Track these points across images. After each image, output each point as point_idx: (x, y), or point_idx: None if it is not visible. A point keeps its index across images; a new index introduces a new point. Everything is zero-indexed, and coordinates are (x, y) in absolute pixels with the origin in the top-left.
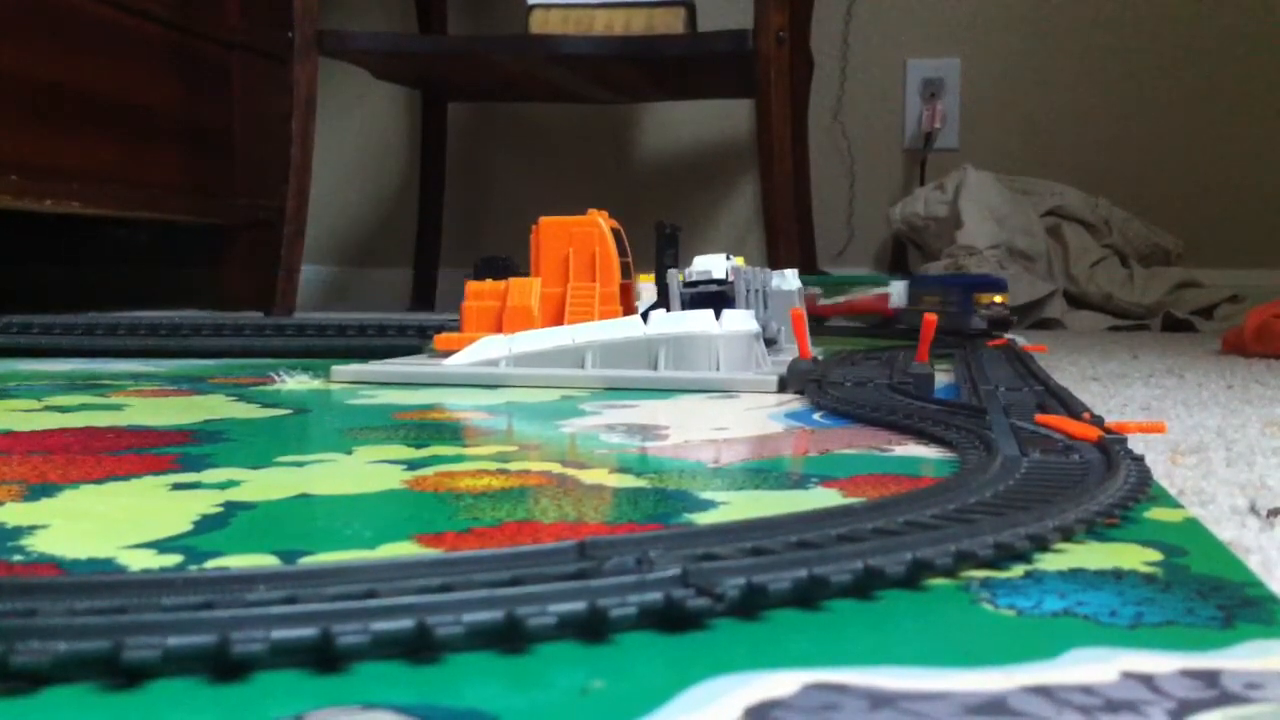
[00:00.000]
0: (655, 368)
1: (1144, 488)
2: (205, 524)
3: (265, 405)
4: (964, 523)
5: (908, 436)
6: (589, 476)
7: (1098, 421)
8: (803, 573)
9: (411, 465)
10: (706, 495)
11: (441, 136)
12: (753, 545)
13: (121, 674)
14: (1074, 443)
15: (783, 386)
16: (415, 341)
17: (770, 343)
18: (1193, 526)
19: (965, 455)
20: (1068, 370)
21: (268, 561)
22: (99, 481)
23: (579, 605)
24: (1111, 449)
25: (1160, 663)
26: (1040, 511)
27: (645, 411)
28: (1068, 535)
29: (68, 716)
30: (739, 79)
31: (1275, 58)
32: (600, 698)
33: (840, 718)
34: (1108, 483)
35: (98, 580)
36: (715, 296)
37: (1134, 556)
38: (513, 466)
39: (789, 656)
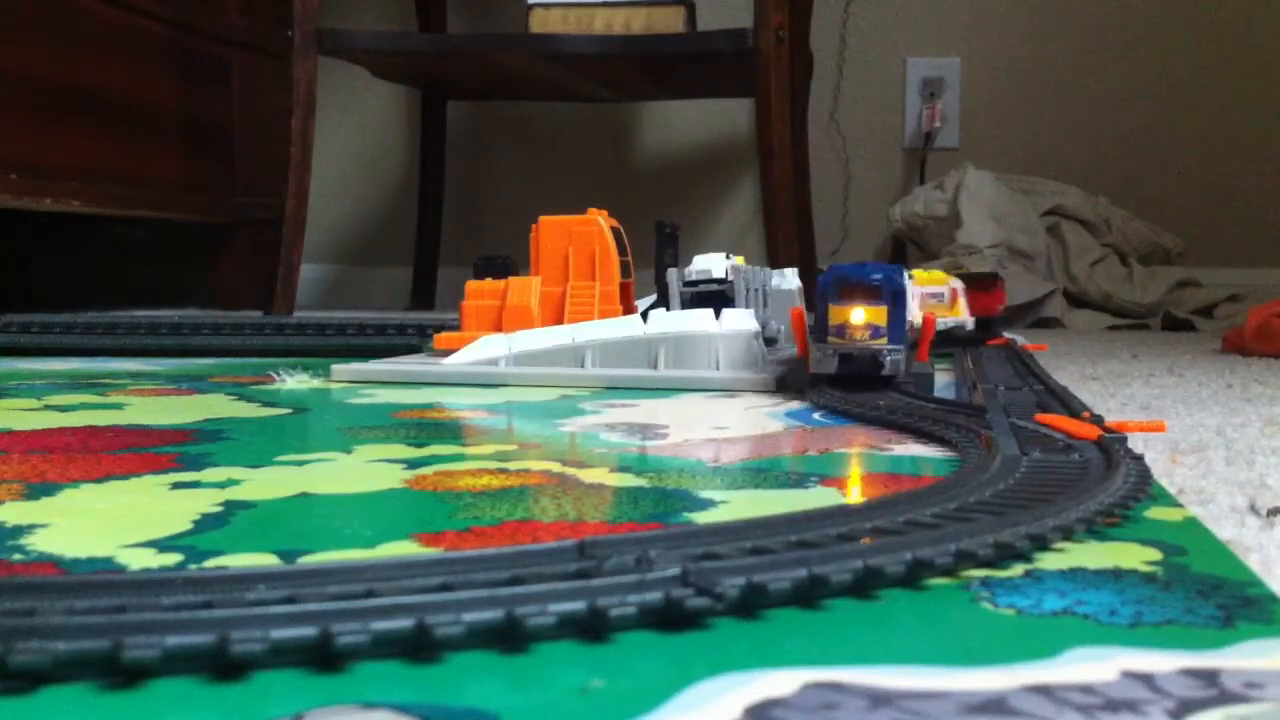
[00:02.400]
0: (655, 367)
1: (1144, 487)
2: (205, 523)
3: (265, 404)
4: (964, 522)
5: (907, 435)
6: (589, 475)
7: (1097, 420)
8: (802, 572)
9: (411, 464)
10: (706, 494)
11: (441, 135)
12: (752, 544)
13: (121, 673)
14: (1074, 442)
15: (782, 385)
16: (415, 340)
17: (770, 342)
18: (1192, 526)
19: (965, 454)
20: (1067, 369)
21: (267, 561)
22: (99, 480)
23: (579, 605)
24: (1111, 448)
25: (1160, 662)
26: (1040, 511)
27: (645, 410)
28: (1068, 534)
29: (67, 716)
30: (738, 78)
31: (1275, 57)
32: (600, 697)
33: (840, 717)
34: (1107, 482)
35: (97, 579)
36: (715, 295)
37: (1134, 556)
38: (512, 465)
39: (789, 655)
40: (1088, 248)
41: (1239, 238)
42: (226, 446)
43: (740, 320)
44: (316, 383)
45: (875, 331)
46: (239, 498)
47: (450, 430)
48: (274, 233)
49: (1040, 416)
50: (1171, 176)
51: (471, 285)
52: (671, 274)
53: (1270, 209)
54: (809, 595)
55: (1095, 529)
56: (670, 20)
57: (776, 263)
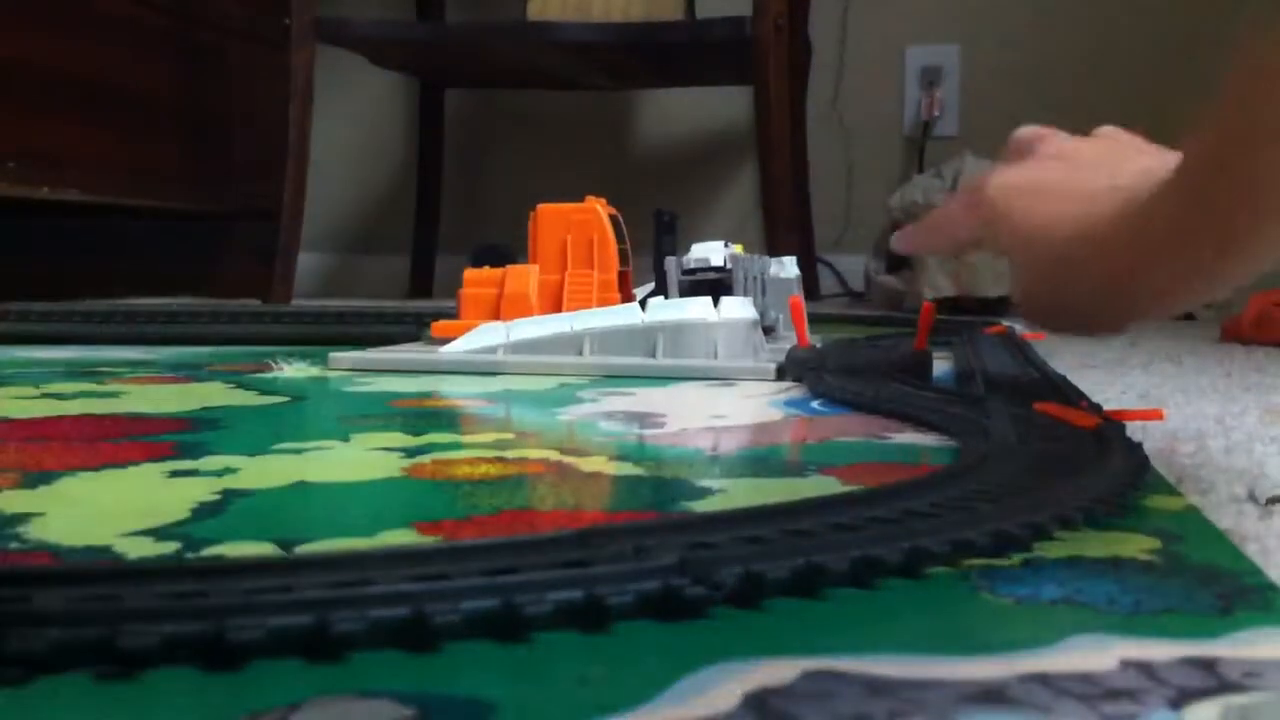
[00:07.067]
0: (653, 355)
1: (1142, 475)
2: (202, 511)
3: (263, 393)
4: (962, 511)
5: (906, 424)
6: (587, 464)
7: (1095, 409)
8: (800, 561)
9: (409, 453)
10: (704, 483)
11: (439, 123)
12: (750, 533)
13: (117, 661)
14: (1074, 430)
15: (781, 374)
16: (413, 329)
17: (768, 330)
18: (1191, 514)
19: (964, 443)
20: (1066, 358)
21: (265, 549)
22: (96, 469)
23: (576, 593)
24: (1109, 436)
25: (1159, 650)
26: (1038, 499)
27: (643, 399)
28: (1066, 523)
29: (64, 705)
30: (737, 66)
31: None
32: (599, 686)
33: (839, 705)
34: (1105, 470)
35: (92, 568)
36: (713, 284)
37: (1132, 544)
38: (510, 454)
39: (787, 644)
40: None
41: None
42: (224, 435)
43: (738, 309)
44: (314, 371)
45: None
46: (236, 486)
47: (448, 419)
48: (272, 221)
49: (1038, 405)
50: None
51: (469, 273)
52: (670, 262)
53: None
54: (807, 584)
55: (1094, 518)
56: (669, 7)
57: (775, 251)
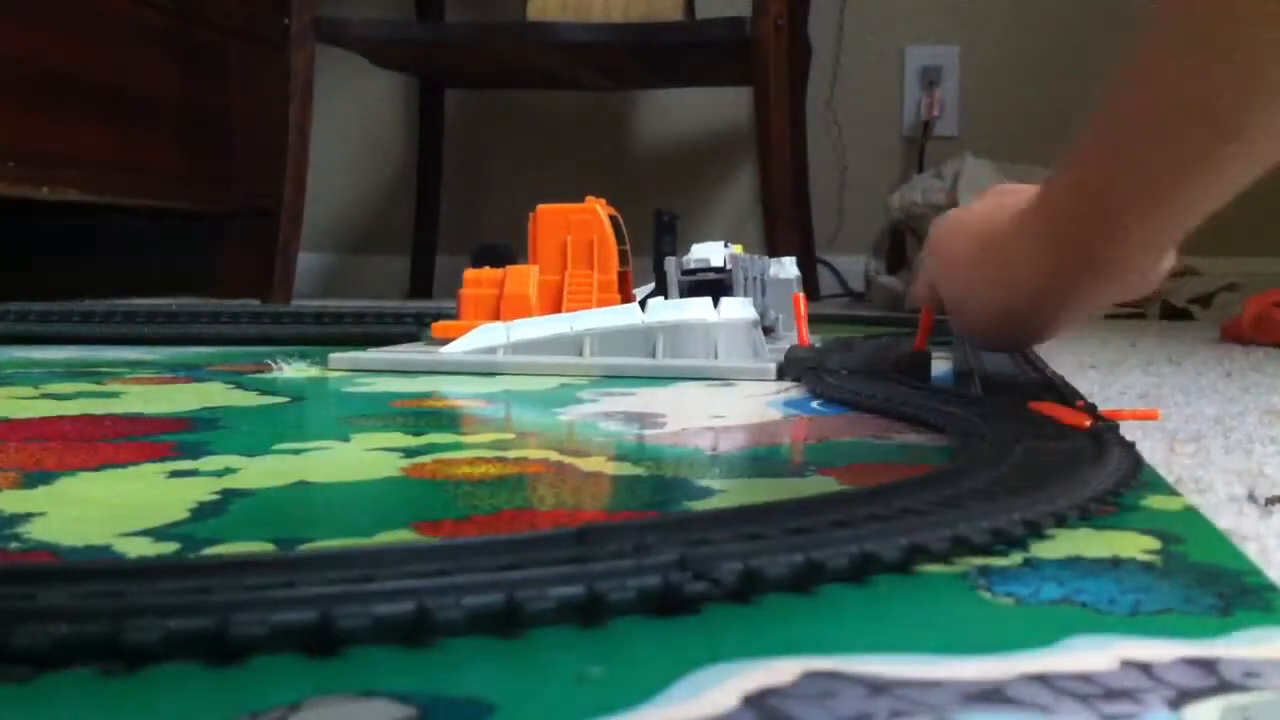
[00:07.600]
0: (653, 355)
1: (1134, 474)
2: (202, 511)
3: (262, 393)
4: (959, 509)
5: (905, 424)
6: (586, 464)
7: (1090, 409)
8: (799, 557)
9: (409, 453)
10: (704, 483)
11: (439, 123)
12: (749, 530)
13: (121, 657)
14: (1068, 429)
15: (781, 374)
16: (412, 329)
17: (768, 330)
18: (1191, 515)
19: (962, 443)
20: (1065, 358)
21: (265, 549)
22: (95, 469)
23: (577, 589)
24: (1102, 435)
25: (1159, 651)
26: (1033, 497)
27: (643, 399)
28: (1061, 521)
29: (66, 703)
30: (737, 66)
31: None
32: (598, 685)
33: (838, 705)
34: (1099, 469)
35: (95, 566)
36: (713, 284)
37: (1132, 544)
38: (510, 454)
39: (786, 644)
40: None
41: (1237, 226)
42: (223, 435)
43: (738, 309)
44: (314, 371)
45: None
46: (236, 486)
47: (448, 419)
48: (271, 221)
49: (1034, 404)
50: None
51: (469, 274)
52: (670, 262)
53: (1268, 197)
54: (805, 581)
55: (1090, 516)
56: (669, 8)
57: (775, 251)
